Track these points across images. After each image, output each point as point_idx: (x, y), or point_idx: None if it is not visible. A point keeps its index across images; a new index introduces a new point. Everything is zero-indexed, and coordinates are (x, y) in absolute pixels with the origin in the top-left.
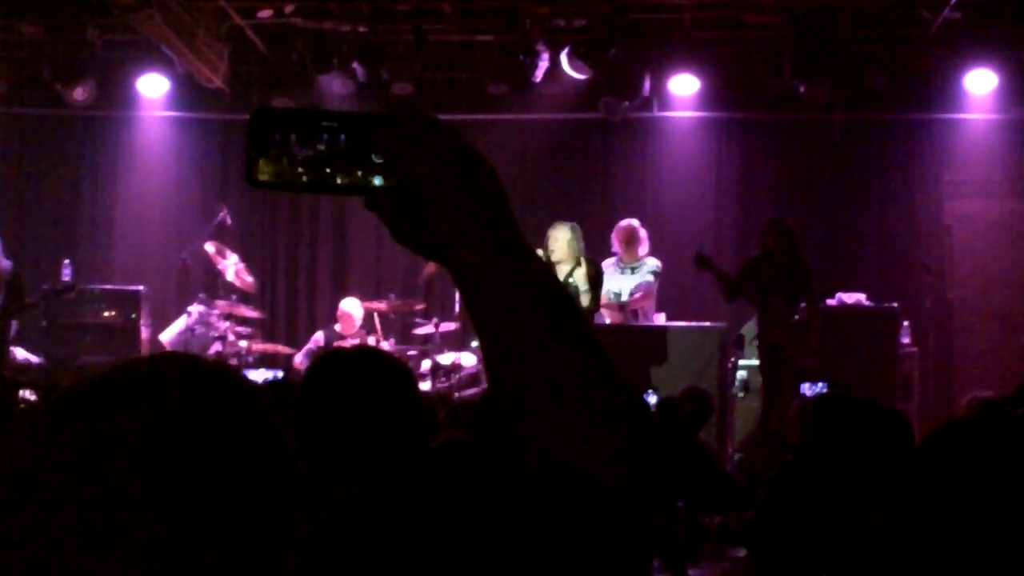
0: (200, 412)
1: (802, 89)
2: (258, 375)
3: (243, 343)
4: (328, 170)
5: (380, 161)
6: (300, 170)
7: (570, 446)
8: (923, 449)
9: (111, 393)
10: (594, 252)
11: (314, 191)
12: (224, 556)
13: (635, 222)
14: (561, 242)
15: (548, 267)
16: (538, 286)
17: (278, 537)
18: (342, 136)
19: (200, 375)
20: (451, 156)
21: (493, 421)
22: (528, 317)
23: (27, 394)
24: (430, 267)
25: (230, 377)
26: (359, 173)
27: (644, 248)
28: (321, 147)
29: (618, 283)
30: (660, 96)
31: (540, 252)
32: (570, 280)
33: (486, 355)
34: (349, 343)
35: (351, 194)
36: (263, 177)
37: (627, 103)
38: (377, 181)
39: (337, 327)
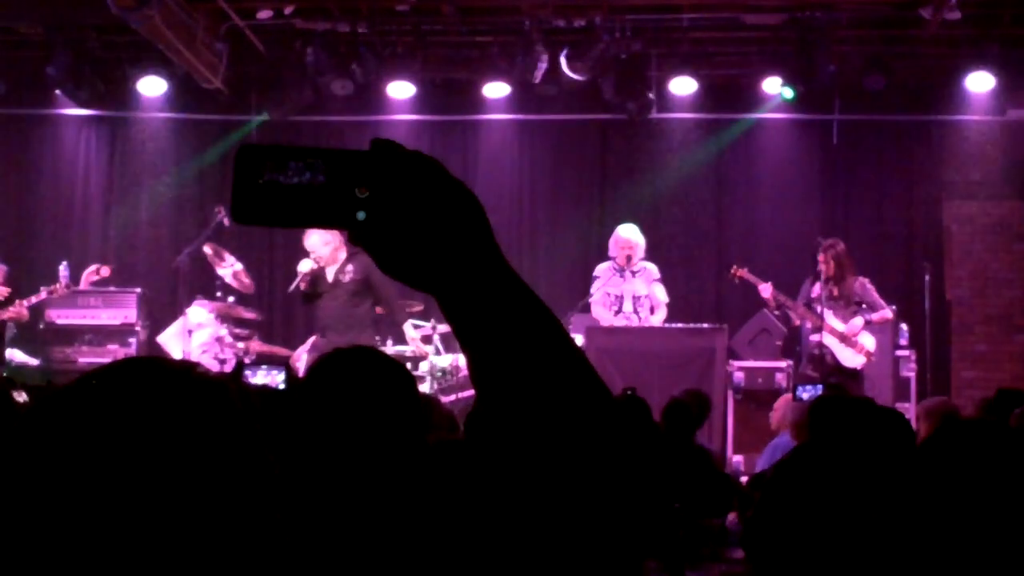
0: (181, 415)
1: (801, 90)
2: (260, 376)
3: (241, 344)
4: (313, 205)
5: (364, 196)
6: (286, 206)
7: (562, 455)
8: (924, 450)
9: (95, 397)
10: (593, 253)
11: (300, 226)
12: (209, 548)
13: (634, 228)
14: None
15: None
16: (526, 312)
17: (259, 530)
18: (327, 171)
19: (180, 379)
20: (435, 188)
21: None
22: (517, 344)
23: (18, 395)
24: None
25: (208, 380)
26: (344, 208)
27: (642, 252)
28: (306, 183)
29: (618, 286)
30: (660, 97)
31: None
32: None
33: (475, 380)
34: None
35: (337, 228)
36: (250, 213)
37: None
38: (361, 215)
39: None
